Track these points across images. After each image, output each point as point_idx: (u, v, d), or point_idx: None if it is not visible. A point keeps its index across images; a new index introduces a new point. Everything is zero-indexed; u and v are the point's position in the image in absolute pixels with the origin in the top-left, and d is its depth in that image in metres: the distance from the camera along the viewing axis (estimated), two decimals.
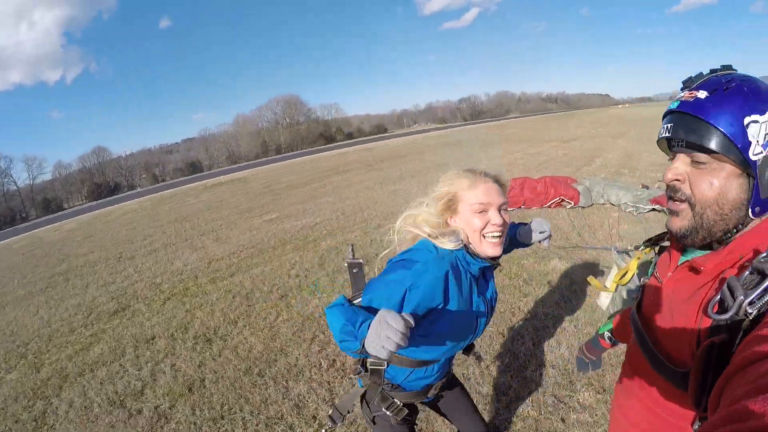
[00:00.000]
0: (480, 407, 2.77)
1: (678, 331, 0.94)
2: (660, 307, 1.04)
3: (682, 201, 0.96)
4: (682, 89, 0.97)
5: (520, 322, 3.87)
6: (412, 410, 1.73)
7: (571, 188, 7.33)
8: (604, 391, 2.87)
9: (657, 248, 1.23)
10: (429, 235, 1.41)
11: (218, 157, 68.95)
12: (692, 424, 0.94)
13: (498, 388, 3.04)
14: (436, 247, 1.38)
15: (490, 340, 3.67)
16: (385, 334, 0.98)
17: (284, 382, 3.61)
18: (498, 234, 1.40)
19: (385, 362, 1.44)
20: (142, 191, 36.15)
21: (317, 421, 3.07)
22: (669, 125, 0.96)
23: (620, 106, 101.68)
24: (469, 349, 1.87)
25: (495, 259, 1.45)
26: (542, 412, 2.73)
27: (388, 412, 1.62)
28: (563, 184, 7.46)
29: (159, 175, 67.37)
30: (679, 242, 1.01)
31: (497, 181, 1.47)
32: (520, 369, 3.21)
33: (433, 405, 1.90)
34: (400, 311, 1.15)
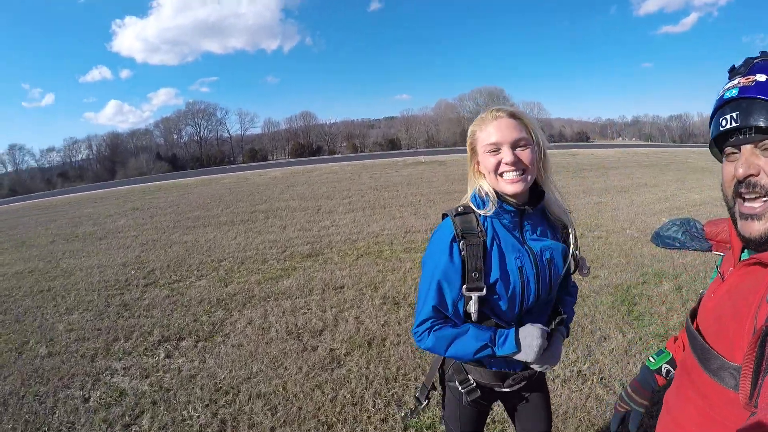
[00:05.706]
0: None
1: (738, 322, 0.90)
2: (721, 302, 1.00)
3: (759, 198, 0.91)
4: (730, 78, 0.97)
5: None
6: (487, 397, 1.67)
7: None
8: None
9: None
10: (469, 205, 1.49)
11: (417, 138, 72.36)
12: None
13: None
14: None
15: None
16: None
17: None
18: (514, 172, 1.38)
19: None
20: (342, 157, 39.58)
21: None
22: (733, 114, 0.92)
23: None
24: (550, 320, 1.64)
25: (522, 199, 1.44)
26: None
27: (460, 387, 1.62)
28: None
29: (359, 146, 73.02)
30: (758, 250, 0.94)
31: (512, 115, 1.41)
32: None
33: (510, 404, 1.83)
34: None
